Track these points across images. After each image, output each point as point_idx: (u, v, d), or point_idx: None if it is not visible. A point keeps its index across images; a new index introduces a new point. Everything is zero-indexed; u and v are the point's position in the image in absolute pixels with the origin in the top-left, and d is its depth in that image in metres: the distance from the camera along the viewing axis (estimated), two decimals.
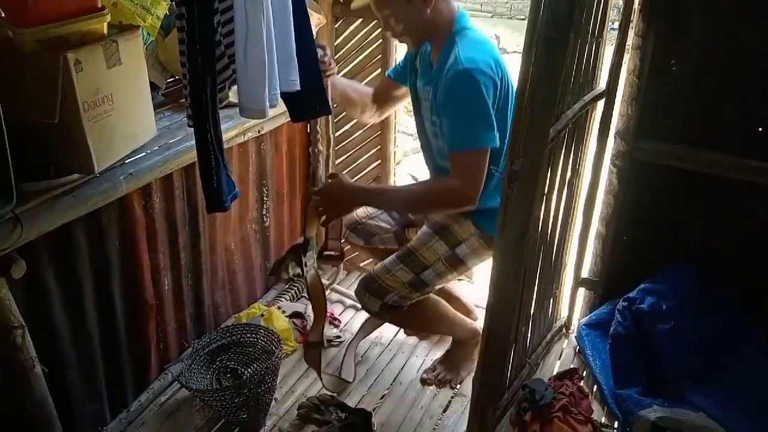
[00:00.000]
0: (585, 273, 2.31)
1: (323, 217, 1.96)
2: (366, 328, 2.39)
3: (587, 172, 2.09)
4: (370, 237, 2.26)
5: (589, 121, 1.97)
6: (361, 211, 2.26)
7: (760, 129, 1.83)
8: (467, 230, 1.96)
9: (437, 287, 2.05)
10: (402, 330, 2.46)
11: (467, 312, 2.36)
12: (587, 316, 2.26)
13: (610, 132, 2.04)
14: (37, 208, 1.42)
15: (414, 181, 3.11)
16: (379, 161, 2.65)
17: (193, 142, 1.43)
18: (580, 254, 2.27)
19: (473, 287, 2.67)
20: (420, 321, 2.16)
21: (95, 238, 1.70)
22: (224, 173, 1.43)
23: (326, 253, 2.24)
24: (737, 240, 1.96)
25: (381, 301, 1.98)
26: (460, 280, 2.45)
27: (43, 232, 1.45)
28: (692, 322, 1.91)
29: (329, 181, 2.02)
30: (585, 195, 2.15)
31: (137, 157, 1.69)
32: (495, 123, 1.72)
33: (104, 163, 1.55)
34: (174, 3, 1.72)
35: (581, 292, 2.33)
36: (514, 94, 1.73)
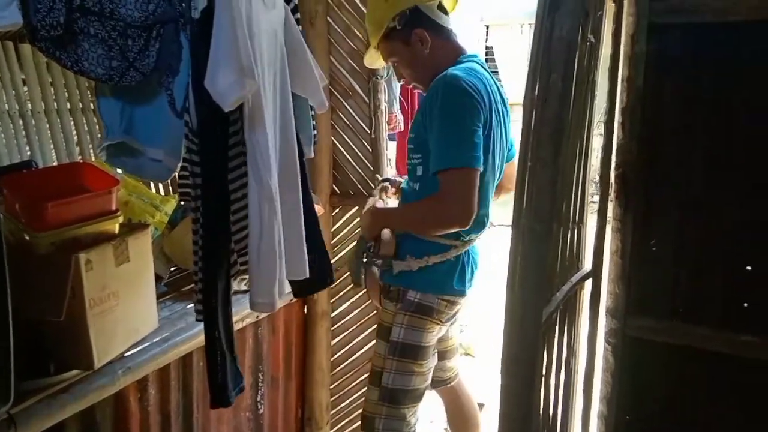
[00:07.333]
0: None
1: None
2: None
3: (583, 351, 2.10)
4: None
5: (579, 301, 2.03)
6: None
7: (745, 304, 1.88)
8: (389, 312, 1.90)
9: (416, 390, 1.92)
10: None
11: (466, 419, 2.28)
12: None
13: (600, 310, 2.08)
14: (33, 407, 1.40)
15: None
16: None
17: (192, 331, 1.46)
18: None
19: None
20: None
21: None
22: (232, 367, 1.43)
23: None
24: (737, 418, 1.92)
25: None
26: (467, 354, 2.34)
27: None
28: None
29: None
30: (583, 374, 2.13)
31: (136, 350, 1.70)
32: (480, 143, 1.71)
33: (104, 359, 1.56)
34: (184, 202, 1.83)
35: None
36: (501, 133, 1.83)
